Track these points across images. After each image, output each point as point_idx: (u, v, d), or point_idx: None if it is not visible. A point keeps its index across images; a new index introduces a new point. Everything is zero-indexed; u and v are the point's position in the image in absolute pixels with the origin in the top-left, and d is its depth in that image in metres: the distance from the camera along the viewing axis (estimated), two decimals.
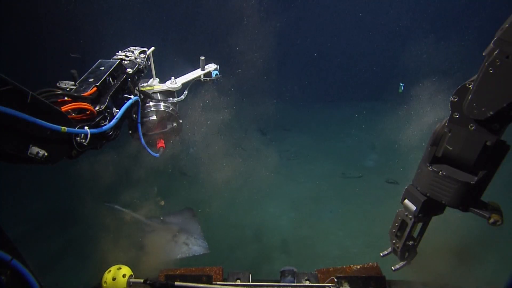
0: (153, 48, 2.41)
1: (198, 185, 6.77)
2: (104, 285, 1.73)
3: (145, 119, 2.33)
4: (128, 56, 2.15)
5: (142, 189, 4.39)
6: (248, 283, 1.94)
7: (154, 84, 2.50)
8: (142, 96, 2.25)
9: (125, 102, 1.87)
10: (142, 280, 1.74)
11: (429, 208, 1.42)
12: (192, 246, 2.91)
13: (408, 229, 1.50)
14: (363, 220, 5.42)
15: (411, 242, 1.55)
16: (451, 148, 1.27)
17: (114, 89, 1.80)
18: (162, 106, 2.40)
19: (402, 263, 1.63)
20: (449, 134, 1.26)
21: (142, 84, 2.44)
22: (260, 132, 9.03)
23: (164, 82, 2.54)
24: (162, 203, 2.37)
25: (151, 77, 2.53)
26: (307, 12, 10.49)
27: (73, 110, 1.53)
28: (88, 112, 1.58)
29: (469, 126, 1.19)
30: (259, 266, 4.76)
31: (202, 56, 2.67)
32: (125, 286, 1.73)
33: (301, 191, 6.74)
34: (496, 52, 1.05)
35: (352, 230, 5.37)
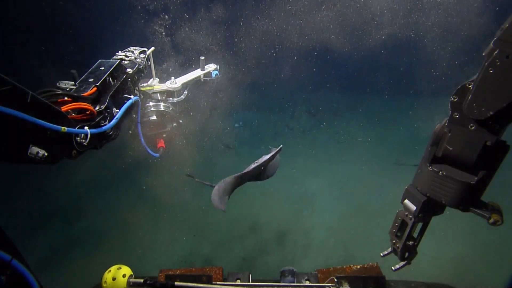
0: (153, 48, 2.41)
1: (239, 158, 6.75)
2: (104, 285, 1.73)
3: (145, 119, 2.33)
4: (128, 56, 2.15)
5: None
6: (248, 283, 1.94)
7: (154, 84, 2.50)
8: (142, 96, 2.25)
9: (125, 102, 1.87)
10: (142, 280, 1.74)
11: (429, 208, 1.42)
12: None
13: (408, 229, 1.51)
14: None
15: (411, 242, 1.55)
16: (451, 148, 1.27)
17: (114, 89, 1.80)
18: (162, 106, 2.41)
19: (402, 263, 1.63)
20: (449, 134, 1.26)
21: (142, 84, 2.44)
22: (308, 113, 8.54)
23: (164, 82, 2.54)
24: None
25: (151, 77, 2.54)
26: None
27: (73, 110, 1.53)
28: (88, 112, 1.57)
29: (469, 126, 1.19)
30: (296, 238, 4.85)
31: (202, 56, 2.67)
32: (125, 286, 1.72)
33: (348, 172, 6.33)
34: (496, 52, 1.04)
35: None
